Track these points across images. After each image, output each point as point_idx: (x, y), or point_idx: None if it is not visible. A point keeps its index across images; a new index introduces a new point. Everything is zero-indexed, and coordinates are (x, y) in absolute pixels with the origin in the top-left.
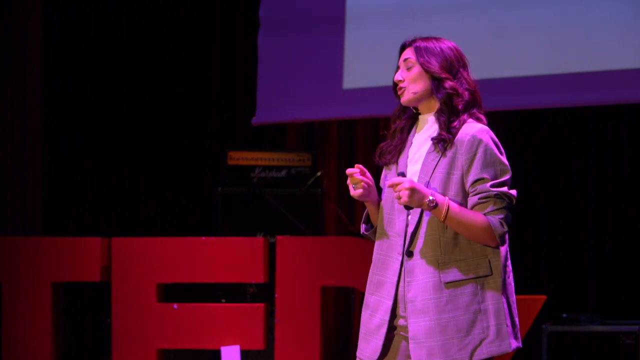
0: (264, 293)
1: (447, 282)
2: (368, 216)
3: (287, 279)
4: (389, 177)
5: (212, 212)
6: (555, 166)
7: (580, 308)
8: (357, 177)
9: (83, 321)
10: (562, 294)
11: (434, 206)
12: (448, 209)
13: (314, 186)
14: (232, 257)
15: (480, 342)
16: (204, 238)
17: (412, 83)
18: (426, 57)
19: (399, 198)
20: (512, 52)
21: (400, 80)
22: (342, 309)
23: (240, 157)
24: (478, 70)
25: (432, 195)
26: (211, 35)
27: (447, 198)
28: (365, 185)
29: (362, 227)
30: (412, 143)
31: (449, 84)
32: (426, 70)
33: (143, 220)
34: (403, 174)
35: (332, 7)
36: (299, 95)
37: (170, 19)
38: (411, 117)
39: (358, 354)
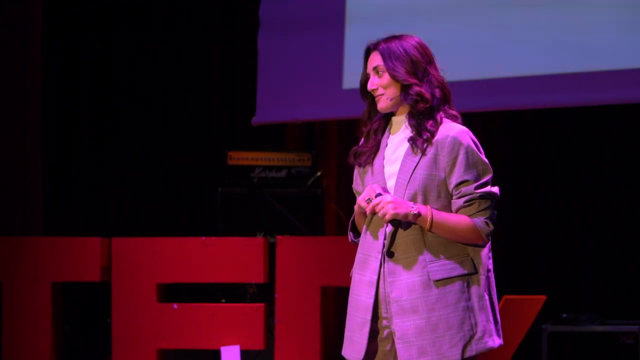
0: (264, 293)
1: (437, 280)
2: (354, 224)
3: (287, 279)
4: (366, 178)
5: (212, 212)
6: (555, 166)
7: (580, 308)
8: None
9: (83, 321)
10: (562, 294)
11: (418, 215)
12: (432, 217)
13: (314, 186)
14: (232, 257)
15: (470, 339)
16: (204, 238)
17: (386, 90)
18: (391, 64)
19: (384, 215)
20: (512, 52)
21: (375, 89)
22: (342, 309)
23: (240, 157)
24: (478, 70)
25: (412, 205)
26: (211, 35)
27: (429, 207)
28: None
29: (350, 235)
30: (387, 144)
31: (415, 89)
32: (393, 77)
33: (143, 220)
34: (380, 194)
35: (332, 7)
36: (299, 95)
37: (171, 19)
38: (384, 118)
39: (343, 353)
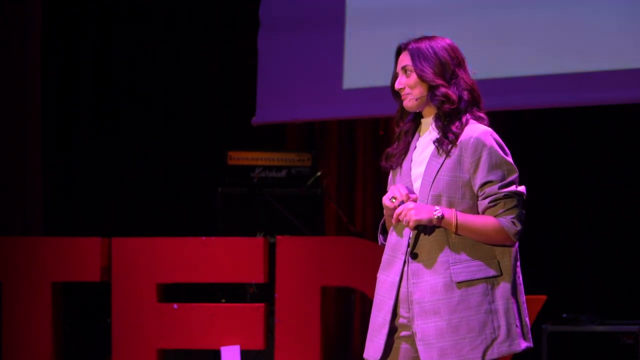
0: (264, 293)
1: (459, 282)
2: (384, 227)
3: (287, 279)
4: (396, 180)
5: (212, 212)
6: (555, 166)
7: (580, 308)
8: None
9: (83, 321)
10: (562, 294)
11: (441, 218)
12: (457, 220)
13: (314, 186)
14: (232, 257)
15: (492, 342)
16: (204, 238)
17: (412, 89)
18: (419, 64)
19: (408, 223)
20: (512, 52)
21: (402, 88)
22: (342, 309)
23: (240, 157)
24: (478, 70)
25: (436, 209)
26: (211, 35)
27: (453, 210)
28: None
29: (380, 238)
30: (415, 146)
31: (441, 91)
32: (420, 77)
33: (143, 220)
34: (402, 202)
35: (332, 7)
36: (299, 95)
37: (171, 19)
38: (414, 119)
39: (364, 354)
